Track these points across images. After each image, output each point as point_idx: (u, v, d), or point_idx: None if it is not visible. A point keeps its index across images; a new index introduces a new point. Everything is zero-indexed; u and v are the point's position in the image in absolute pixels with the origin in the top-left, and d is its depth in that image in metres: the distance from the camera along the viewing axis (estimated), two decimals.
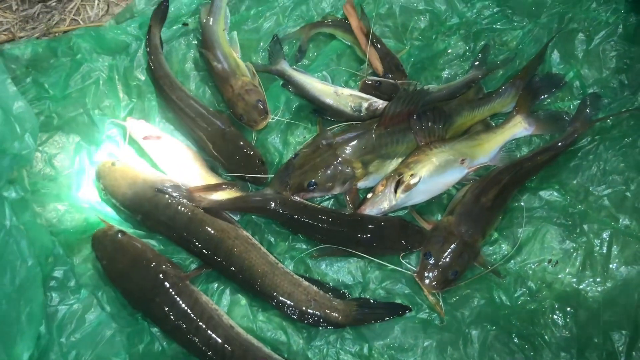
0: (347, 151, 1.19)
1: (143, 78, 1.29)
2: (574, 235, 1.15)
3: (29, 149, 0.77)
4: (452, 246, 1.13)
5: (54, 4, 1.41)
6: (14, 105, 0.78)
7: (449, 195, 1.24)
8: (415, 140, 1.21)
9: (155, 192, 1.14)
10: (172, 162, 1.20)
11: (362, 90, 1.29)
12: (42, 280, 0.82)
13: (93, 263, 1.10)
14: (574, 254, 1.14)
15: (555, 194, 1.20)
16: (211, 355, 1.04)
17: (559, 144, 1.21)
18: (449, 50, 1.35)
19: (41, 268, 0.81)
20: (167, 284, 1.07)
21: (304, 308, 1.09)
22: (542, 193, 1.21)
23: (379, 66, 1.30)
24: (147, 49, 1.28)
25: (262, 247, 1.14)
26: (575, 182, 1.20)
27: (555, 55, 1.29)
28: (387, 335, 1.10)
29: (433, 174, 1.17)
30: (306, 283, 1.12)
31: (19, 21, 1.38)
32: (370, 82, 1.28)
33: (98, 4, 1.41)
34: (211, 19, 1.31)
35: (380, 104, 1.25)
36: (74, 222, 1.12)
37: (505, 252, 1.17)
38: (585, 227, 1.15)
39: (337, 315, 1.10)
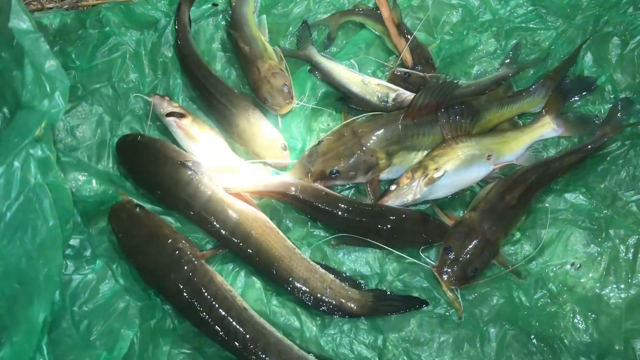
0: (372, 141, 1.17)
1: (170, 55, 1.28)
2: (599, 239, 1.13)
3: (59, 108, 0.75)
4: (474, 243, 1.11)
5: None
6: (46, 63, 0.77)
7: (472, 192, 1.22)
8: (442, 133, 1.19)
9: (176, 169, 1.12)
10: (194, 140, 1.18)
11: (390, 80, 1.27)
12: (62, 244, 0.81)
13: (109, 235, 1.09)
14: (598, 259, 1.12)
15: (582, 197, 1.18)
16: (223, 335, 1.02)
17: (588, 146, 1.19)
18: (480, 47, 1.33)
19: (61, 231, 0.79)
20: (182, 261, 1.05)
21: (319, 295, 1.08)
22: (567, 195, 1.19)
23: (408, 58, 1.28)
24: (176, 27, 1.27)
25: (279, 232, 1.12)
26: (602, 186, 1.17)
27: (588, 58, 1.27)
28: (403, 328, 1.08)
29: (458, 168, 1.15)
30: (322, 270, 1.11)
31: None
32: (399, 73, 1.27)
33: None
34: (241, 1, 1.30)
35: (407, 95, 1.24)
36: (92, 193, 1.11)
37: (527, 253, 1.15)
38: (611, 232, 1.13)
39: (352, 304, 1.08)
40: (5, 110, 0.97)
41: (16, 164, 0.71)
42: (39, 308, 0.75)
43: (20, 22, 0.78)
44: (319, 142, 1.20)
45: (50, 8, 1.36)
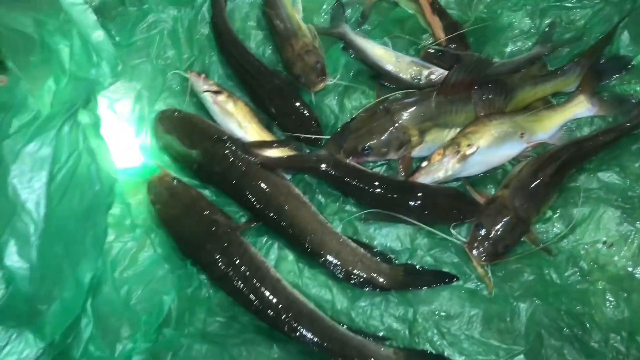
0: (404, 117, 1.18)
1: (206, 32, 1.30)
2: (632, 218, 1.13)
3: (106, 76, 0.78)
4: (505, 219, 1.11)
5: None
6: (93, 34, 0.80)
7: (504, 171, 1.22)
8: (475, 111, 1.19)
9: (212, 144, 1.15)
10: (229, 117, 1.21)
11: (424, 58, 1.28)
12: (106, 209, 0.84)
13: (147, 206, 1.13)
14: (631, 238, 1.12)
15: (615, 176, 1.17)
16: (257, 304, 1.05)
17: (623, 126, 1.18)
18: (514, 26, 1.32)
19: (105, 196, 0.83)
20: (218, 233, 1.08)
21: (350, 268, 1.10)
22: (600, 174, 1.18)
23: (441, 36, 1.28)
24: (212, 5, 1.29)
25: (312, 206, 1.14)
26: (637, 165, 1.17)
27: (625, 37, 1.25)
28: (433, 302, 1.10)
29: (491, 145, 1.15)
30: (354, 244, 1.13)
31: None
32: (432, 51, 1.27)
33: None
34: None
35: (440, 73, 1.24)
36: (131, 165, 1.14)
37: (558, 231, 1.15)
38: None
39: (383, 278, 1.10)
40: (51, 82, 1.01)
41: (66, 128, 0.74)
42: (86, 268, 0.78)
43: None
44: (352, 119, 1.21)
45: None
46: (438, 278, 1.11)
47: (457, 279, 1.10)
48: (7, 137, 0.73)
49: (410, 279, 1.11)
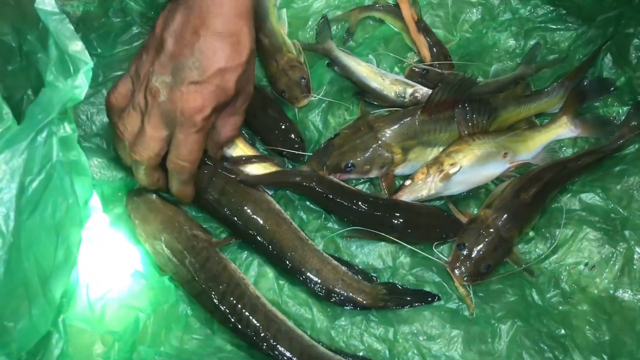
0: (388, 135, 1.18)
1: None
2: (614, 241, 1.13)
3: (82, 87, 0.77)
4: (487, 239, 1.11)
5: None
6: (70, 44, 0.78)
7: (487, 190, 1.22)
8: (458, 130, 1.19)
9: None
10: None
11: (408, 77, 1.28)
12: (80, 223, 0.82)
13: (125, 221, 1.11)
14: (613, 260, 1.11)
15: (597, 197, 1.17)
16: (235, 322, 1.03)
17: (605, 148, 1.19)
18: (499, 46, 1.33)
19: (80, 210, 0.81)
20: (197, 248, 1.06)
21: (331, 286, 1.08)
22: (583, 196, 1.18)
23: (426, 54, 1.29)
24: None
25: (293, 223, 1.13)
26: (619, 187, 1.17)
27: (608, 59, 1.27)
28: (414, 322, 1.08)
29: (474, 165, 1.15)
30: (335, 262, 1.11)
31: None
32: (417, 69, 1.27)
33: None
34: None
35: (425, 91, 1.24)
36: (110, 179, 1.13)
37: (541, 252, 1.15)
38: (626, 233, 1.12)
39: (363, 297, 1.08)
40: (30, 92, 0.99)
41: (39, 139, 0.72)
42: (58, 283, 0.76)
43: (46, 3, 0.79)
44: (335, 135, 1.21)
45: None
46: (419, 298, 1.10)
47: (439, 299, 1.09)
48: None
49: (391, 298, 1.09)
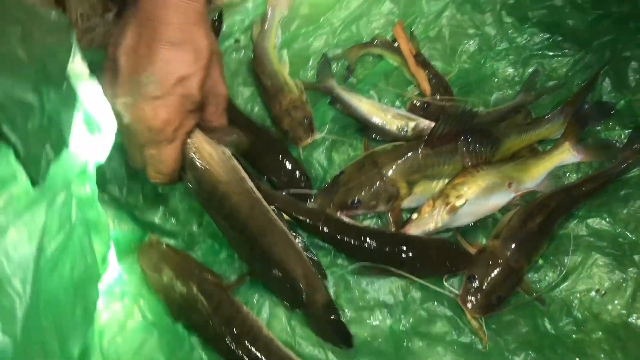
0: (392, 170, 1.19)
1: None
2: (623, 266, 1.13)
3: (104, 148, 0.79)
4: (497, 270, 1.11)
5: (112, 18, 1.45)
6: (96, 113, 0.81)
7: (494, 219, 1.22)
8: (462, 161, 1.21)
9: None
10: None
11: (410, 110, 1.30)
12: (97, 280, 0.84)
13: (137, 272, 1.12)
14: (624, 285, 1.11)
15: (604, 222, 1.18)
16: None
17: (609, 172, 1.19)
18: (498, 75, 1.34)
19: (98, 267, 0.82)
20: (208, 293, 1.08)
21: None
22: (590, 221, 1.19)
23: (426, 88, 1.31)
24: None
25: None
26: (625, 211, 1.17)
27: (607, 83, 1.28)
28: (427, 357, 1.08)
29: (479, 196, 1.16)
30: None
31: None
32: (418, 103, 1.29)
33: None
34: (263, 36, 1.34)
35: (427, 124, 1.26)
36: (122, 231, 1.14)
37: (551, 280, 1.15)
38: (635, 258, 1.13)
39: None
40: (49, 148, 1.01)
41: (58, 201, 0.74)
42: (75, 341, 0.77)
43: (78, 65, 0.82)
44: (341, 173, 1.22)
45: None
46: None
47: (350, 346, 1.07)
48: None
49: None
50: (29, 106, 0.99)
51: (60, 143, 0.90)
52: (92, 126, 0.80)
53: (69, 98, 0.89)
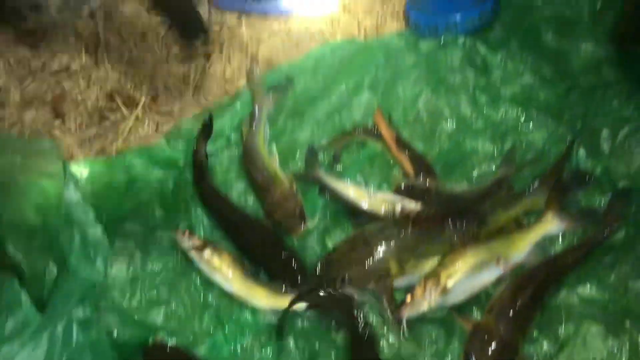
0: (383, 249, 1.23)
1: (190, 191, 1.38)
2: (616, 332, 1.14)
3: (99, 274, 0.85)
4: (493, 346, 1.13)
5: (107, 124, 1.55)
6: (90, 230, 0.87)
7: (487, 294, 1.25)
8: (450, 239, 1.25)
9: None
10: (216, 271, 1.26)
11: (396, 192, 1.35)
12: None
13: None
14: (619, 352, 1.13)
15: (594, 290, 1.20)
16: None
17: (593, 239, 1.23)
18: (477, 151, 1.40)
19: None
20: None
21: None
22: (580, 290, 1.21)
23: (409, 169, 1.37)
24: (194, 164, 1.39)
25: None
26: (612, 277, 1.20)
27: (582, 153, 1.33)
28: None
29: (469, 275, 1.19)
30: None
31: (77, 142, 1.52)
32: (403, 185, 1.35)
33: (148, 123, 1.54)
34: (252, 133, 1.41)
35: (413, 205, 1.31)
36: (126, 336, 1.17)
37: (547, 352, 1.16)
38: (627, 323, 1.14)
39: None
40: (51, 264, 1.07)
41: (59, 328, 0.79)
42: None
43: (72, 194, 0.88)
44: (333, 250, 1.27)
45: (79, 156, 1.49)
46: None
47: None
48: (2, 342, 0.78)
49: None
50: (32, 227, 1.07)
51: (61, 262, 0.97)
52: (88, 251, 0.85)
53: (67, 220, 0.96)
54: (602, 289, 1.20)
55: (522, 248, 1.25)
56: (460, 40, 1.48)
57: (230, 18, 1.67)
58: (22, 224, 1.02)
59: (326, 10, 1.66)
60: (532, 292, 1.17)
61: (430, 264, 1.25)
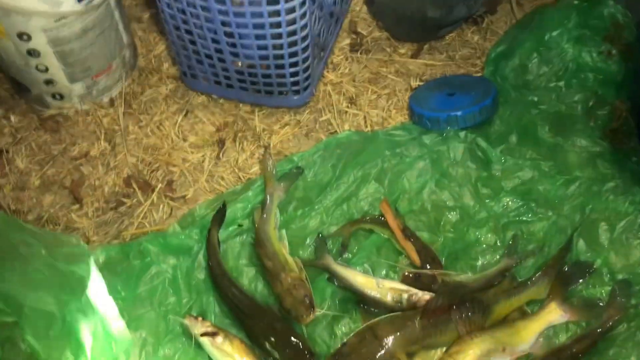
0: (392, 342, 1.26)
1: (202, 277, 1.42)
2: None
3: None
4: None
5: (123, 209, 1.60)
6: (114, 324, 0.90)
7: None
8: (457, 329, 1.28)
9: None
10: (228, 357, 1.28)
11: (403, 281, 1.39)
12: None
13: None
14: None
15: None
16: None
17: (596, 331, 1.26)
18: (481, 241, 1.45)
19: None
20: None
21: None
22: None
23: (415, 258, 1.41)
24: (207, 250, 1.43)
25: None
26: None
27: (582, 244, 1.38)
28: None
29: None
30: None
31: (94, 226, 1.57)
32: (409, 274, 1.39)
33: (162, 208, 1.60)
34: (263, 220, 1.47)
35: (420, 294, 1.34)
36: None
37: None
38: None
39: None
40: (68, 353, 1.10)
41: None
42: None
43: (96, 281, 0.92)
44: (343, 345, 1.29)
45: (95, 241, 1.54)
46: None
47: None
48: None
49: None
50: (51, 315, 1.10)
51: (79, 351, 0.99)
52: (111, 345, 0.88)
53: (88, 309, 1.00)
54: None
55: (526, 338, 1.28)
56: (462, 134, 1.57)
57: (244, 108, 1.77)
58: (41, 313, 1.06)
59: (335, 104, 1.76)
60: None
61: (438, 355, 1.27)
